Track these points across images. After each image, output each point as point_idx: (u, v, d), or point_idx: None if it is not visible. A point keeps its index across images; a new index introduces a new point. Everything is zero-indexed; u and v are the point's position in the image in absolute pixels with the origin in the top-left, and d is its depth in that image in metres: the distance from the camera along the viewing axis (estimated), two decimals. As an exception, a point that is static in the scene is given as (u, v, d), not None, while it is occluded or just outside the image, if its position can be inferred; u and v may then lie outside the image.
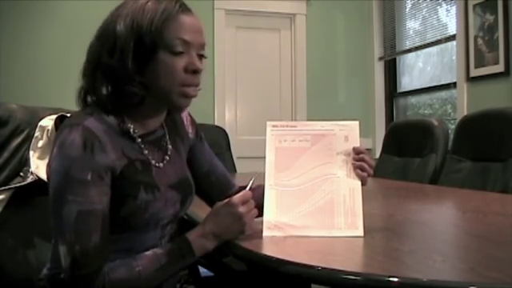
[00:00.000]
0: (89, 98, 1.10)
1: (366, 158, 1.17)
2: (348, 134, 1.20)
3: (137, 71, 1.05)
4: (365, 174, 1.16)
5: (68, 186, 0.98)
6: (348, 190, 1.15)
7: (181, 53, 1.07)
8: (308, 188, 1.16)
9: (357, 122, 1.21)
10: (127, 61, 1.04)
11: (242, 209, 1.08)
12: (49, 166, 1.05)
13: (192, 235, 1.08)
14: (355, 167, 1.17)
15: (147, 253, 1.05)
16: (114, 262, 1.01)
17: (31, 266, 1.26)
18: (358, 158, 1.17)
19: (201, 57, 1.11)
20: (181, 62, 1.07)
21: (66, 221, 0.97)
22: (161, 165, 1.14)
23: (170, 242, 1.12)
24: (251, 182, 1.17)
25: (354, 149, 1.18)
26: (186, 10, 1.10)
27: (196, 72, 1.09)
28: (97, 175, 1.00)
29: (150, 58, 1.06)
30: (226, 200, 1.10)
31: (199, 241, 1.08)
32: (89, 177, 0.99)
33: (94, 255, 0.98)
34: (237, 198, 1.09)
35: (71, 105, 1.32)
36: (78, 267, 0.97)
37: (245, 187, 1.26)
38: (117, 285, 0.99)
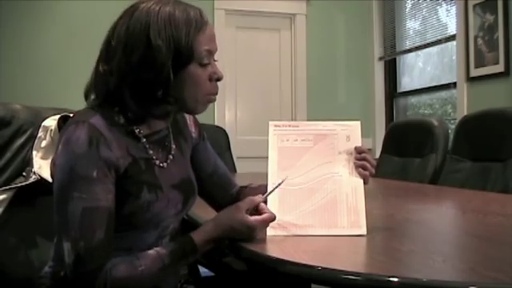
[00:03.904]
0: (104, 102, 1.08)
1: (368, 157, 1.18)
2: (350, 133, 1.20)
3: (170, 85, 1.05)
4: (367, 173, 1.17)
5: (73, 182, 0.98)
6: (350, 188, 1.16)
7: (207, 64, 1.09)
8: (311, 187, 1.16)
9: (358, 122, 1.21)
10: (168, 76, 1.03)
11: (257, 226, 1.07)
12: (53, 162, 1.05)
13: (199, 238, 1.07)
14: (357, 166, 1.17)
15: (150, 252, 1.04)
16: (117, 260, 1.01)
17: (33, 265, 1.26)
18: (359, 157, 1.18)
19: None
20: (206, 72, 1.10)
21: (70, 217, 0.98)
22: (164, 165, 1.14)
23: (172, 242, 1.12)
24: (271, 189, 1.14)
25: (355, 148, 1.19)
26: (207, 19, 1.10)
27: (219, 80, 1.12)
28: (102, 172, 1.00)
29: (180, 71, 1.06)
30: (246, 219, 1.06)
31: (205, 246, 1.07)
32: (94, 174, 0.99)
33: (98, 252, 0.98)
34: (256, 220, 1.07)
35: (73, 104, 1.33)
36: (81, 263, 0.97)
37: (245, 187, 1.25)
38: (119, 283, 0.99)
